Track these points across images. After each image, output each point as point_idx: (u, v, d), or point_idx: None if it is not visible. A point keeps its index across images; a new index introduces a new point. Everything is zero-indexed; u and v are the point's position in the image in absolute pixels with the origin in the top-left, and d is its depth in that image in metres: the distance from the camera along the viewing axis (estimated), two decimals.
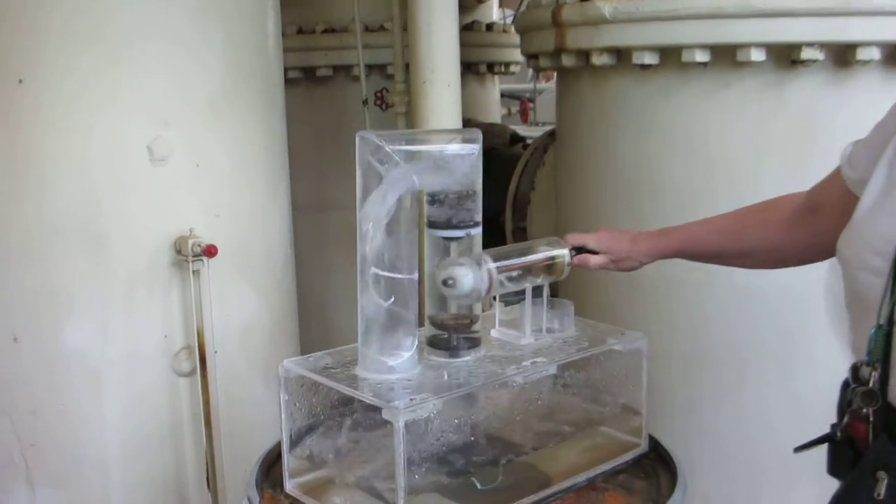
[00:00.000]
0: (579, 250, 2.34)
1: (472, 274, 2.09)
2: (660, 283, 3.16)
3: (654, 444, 2.38)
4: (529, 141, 4.62)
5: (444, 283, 2.08)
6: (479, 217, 2.15)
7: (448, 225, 2.12)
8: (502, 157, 4.46)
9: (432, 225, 2.13)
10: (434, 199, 2.11)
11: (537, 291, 2.27)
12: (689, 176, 3.14)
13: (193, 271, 2.90)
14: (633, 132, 3.23)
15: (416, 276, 2.04)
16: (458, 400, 2.06)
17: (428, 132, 2.07)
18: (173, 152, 2.88)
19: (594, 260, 2.34)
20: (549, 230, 3.86)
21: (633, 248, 2.34)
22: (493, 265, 2.13)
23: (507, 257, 2.19)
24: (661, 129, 3.16)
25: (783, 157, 3.04)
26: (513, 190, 4.24)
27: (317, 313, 4.47)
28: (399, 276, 2.01)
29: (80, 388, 2.88)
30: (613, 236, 2.37)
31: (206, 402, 2.98)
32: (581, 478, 2.21)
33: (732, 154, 3.08)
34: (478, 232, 2.16)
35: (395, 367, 2.05)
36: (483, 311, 2.30)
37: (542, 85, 9.62)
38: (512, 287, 2.21)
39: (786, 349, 3.13)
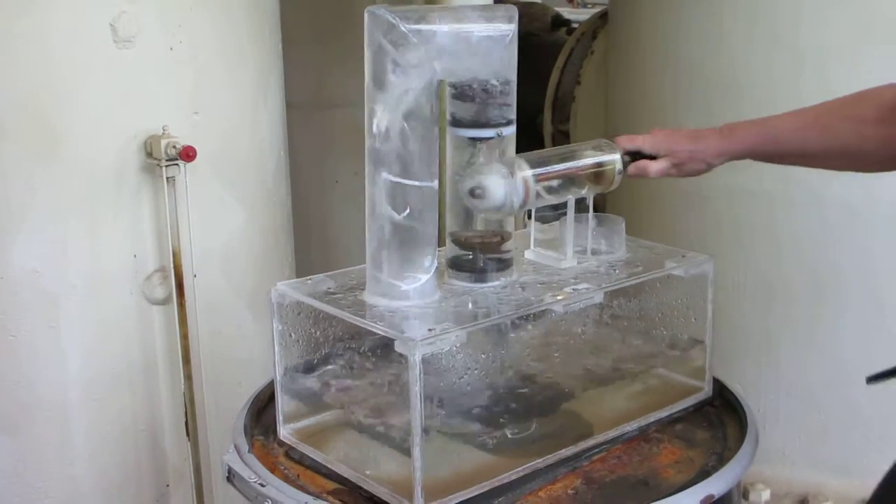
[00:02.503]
0: (633, 156, 2.34)
1: (504, 182, 2.10)
2: (728, 195, 3.18)
3: (720, 389, 2.41)
4: (575, 25, 4.60)
5: (471, 192, 2.10)
6: (512, 114, 2.15)
7: (475, 123, 2.12)
8: (542, 44, 4.44)
9: (456, 123, 2.14)
10: (458, 91, 2.11)
11: (581, 205, 2.29)
12: (772, 68, 3.13)
13: (167, 178, 2.92)
14: (704, 13, 3.22)
15: (435, 183, 2.06)
16: (485, 332, 2.09)
17: (453, 8, 2.06)
18: (142, 32, 2.87)
19: (654, 166, 2.34)
20: (597, 135, 3.85)
21: (698, 146, 2.32)
22: (529, 172, 2.14)
23: (547, 163, 2.20)
24: (739, 10, 3.15)
25: (891, 46, 3.02)
26: (554, 85, 4.23)
27: (316, 230, 4.51)
28: (416, 182, 2.03)
29: (33, 317, 2.92)
30: (671, 136, 2.36)
31: (184, 336, 3.02)
32: (631, 426, 2.25)
33: (827, 41, 3.06)
34: (511, 132, 2.16)
35: (409, 292, 2.08)
36: (516, 228, 2.32)
37: None
38: (551, 199, 2.23)
39: (888, 278, 3.14)
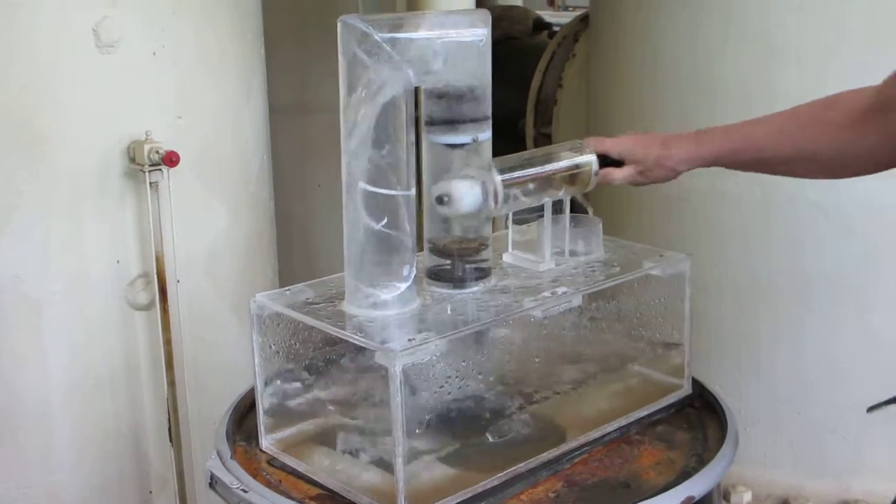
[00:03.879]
0: (602, 160, 2.30)
1: (469, 189, 2.08)
2: (707, 197, 3.16)
3: (700, 390, 2.39)
4: (557, 28, 4.59)
5: (438, 200, 2.08)
6: (488, 119, 2.13)
7: (450, 129, 2.10)
8: (524, 48, 4.43)
9: (432, 129, 2.12)
10: (433, 97, 2.09)
11: (558, 207, 2.27)
12: (747, 67, 3.12)
13: (150, 183, 2.90)
14: (681, 14, 3.21)
15: (412, 191, 2.03)
16: (465, 339, 2.06)
17: (426, 14, 2.03)
18: (124, 37, 2.86)
19: (619, 174, 2.30)
20: (579, 136, 3.84)
21: (665, 153, 2.27)
22: (498, 178, 2.13)
23: (521, 167, 2.18)
24: (714, 10, 3.14)
25: (865, 43, 3.01)
26: (536, 88, 4.22)
27: (299, 233, 4.49)
28: (392, 192, 2.00)
29: (14, 323, 2.90)
30: (640, 140, 2.32)
31: (167, 341, 3.00)
32: (611, 427, 2.23)
33: (800, 38, 3.05)
34: (487, 137, 2.14)
35: (388, 301, 2.05)
36: (495, 230, 2.30)
37: None
38: (528, 202, 2.21)
39: (864, 278, 3.14)
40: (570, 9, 8.45)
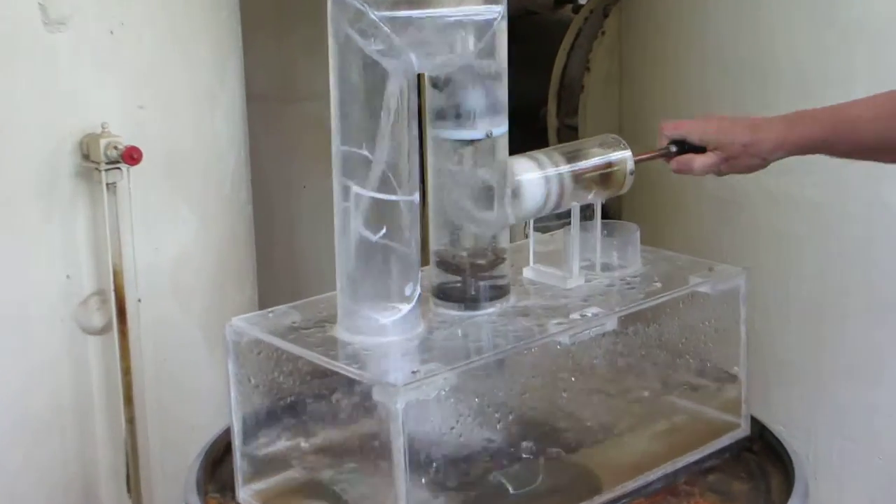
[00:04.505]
0: (679, 146, 2.35)
1: (543, 179, 2.15)
2: (767, 200, 3.16)
3: (760, 430, 2.39)
4: (583, 1, 4.59)
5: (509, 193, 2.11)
6: (504, 110, 2.14)
7: (460, 123, 2.11)
8: (544, 23, 4.44)
9: (438, 123, 2.13)
10: (440, 85, 2.10)
11: (587, 213, 2.28)
12: (817, 49, 3.13)
13: (107, 185, 2.90)
14: None
15: (416, 196, 2.04)
16: (479, 371, 2.07)
17: None
18: (77, 12, 2.87)
19: (701, 161, 2.35)
20: (610, 129, 3.85)
21: (754, 138, 2.32)
22: (566, 168, 2.19)
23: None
24: None
25: None
26: (559, 71, 4.22)
27: (282, 247, 4.52)
28: (392, 196, 2.01)
29: None
30: (725, 124, 2.37)
31: (126, 371, 3.00)
32: (655, 475, 2.23)
33: (880, 17, 3.06)
34: (503, 131, 2.15)
35: (388, 325, 2.06)
36: (512, 242, 2.30)
37: None
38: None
39: None
40: None
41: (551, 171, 2.20)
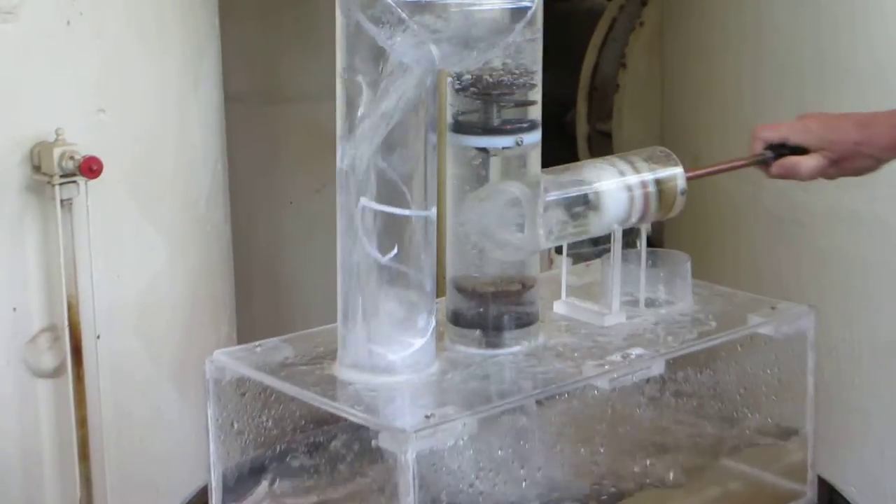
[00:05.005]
0: (777, 150, 2.39)
1: (625, 187, 2.16)
2: (836, 220, 3.17)
3: (830, 494, 2.39)
4: None
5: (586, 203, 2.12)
6: (537, 115, 2.15)
7: (487, 128, 2.10)
8: (573, 12, 4.44)
9: (461, 129, 2.12)
10: (464, 85, 2.10)
11: (630, 239, 2.27)
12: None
13: (62, 201, 2.90)
14: None
15: (433, 212, 2.04)
16: (503, 418, 2.07)
17: None
18: (28, 1, 2.87)
19: (807, 164, 2.38)
20: (650, 135, 3.86)
21: (867, 134, 2.36)
22: (650, 175, 2.20)
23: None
24: None
25: None
26: (590, 69, 4.24)
27: (265, 273, 4.52)
28: (405, 212, 2.00)
29: None
30: (829, 122, 2.41)
31: (82, 421, 2.99)
32: None
33: None
34: (535, 140, 2.15)
35: (398, 362, 2.05)
36: (542, 270, 2.29)
37: None
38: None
39: None
40: None
41: (633, 178, 2.21)
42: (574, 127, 4.32)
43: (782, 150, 2.39)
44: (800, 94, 3.26)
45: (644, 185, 2.20)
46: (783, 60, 3.28)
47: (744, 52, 3.38)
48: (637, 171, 2.22)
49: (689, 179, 2.27)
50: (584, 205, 2.15)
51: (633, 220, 2.19)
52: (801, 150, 2.37)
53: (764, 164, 2.42)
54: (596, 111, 4.29)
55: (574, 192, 2.15)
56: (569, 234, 2.17)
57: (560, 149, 3.86)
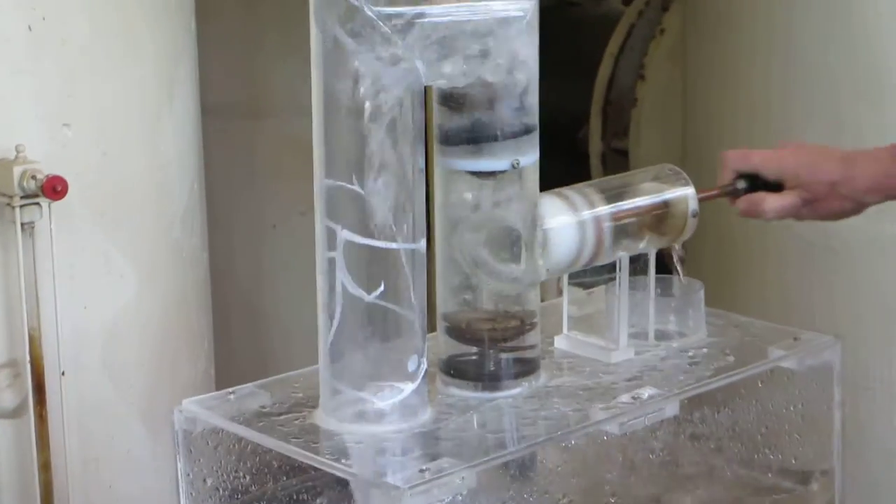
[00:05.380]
0: (750, 182, 2.38)
1: (575, 222, 2.16)
2: (872, 246, 3.19)
3: None
4: None
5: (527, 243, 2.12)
6: (534, 133, 2.15)
7: (478, 150, 2.12)
8: (586, 18, 4.44)
9: (450, 150, 2.14)
10: (453, 102, 2.11)
11: (638, 266, 2.30)
12: None
13: (22, 224, 2.92)
14: None
15: (423, 244, 2.05)
16: (504, 470, 2.10)
17: None
18: None
19: (773, 202, 2.37)
20: (670, 154, 3.86)
21: (848, 174, 2.35)
22: (605, 209, 2.21)
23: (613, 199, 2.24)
24: None
25: None
26: (604, 81, 4.23)
27: (245, 301, 4.53)
28: (391, 244, 2.01)
29: None
30: (807, 155, 2.40)
31: (45, 467, 3.00)
32: None
33: None
34: (532, 161, 2.16)
35: (387, 410, 2.06)
36: (543, 300, 2.31)
37: None
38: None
39: None
40: None
41: (586, 214, 2.20)
42: (587, 144, 4.31)
43: (755, 182, 2.38)
44: (835, 109, 3.27)
45: (598, 220, 2.20)
46: (816, 73, 3.30)
47: (773, 64, 3.39)
48: (592, 204, 2.23)
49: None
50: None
51: (585, 258, 2.20)
52: (775, 185, 2.37)
53: (733, 196, 2.42)
54: (611, 127, 4.28)
55: None
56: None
57: (572, 168, 3.86)
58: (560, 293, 2.40)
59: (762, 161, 2.38)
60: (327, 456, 1.99)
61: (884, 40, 3.24)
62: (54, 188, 2.89)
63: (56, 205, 2.93)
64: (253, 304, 4.56)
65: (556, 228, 2.17)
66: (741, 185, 2.39)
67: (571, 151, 4.32)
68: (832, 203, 2.36)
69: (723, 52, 3.56)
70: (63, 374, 3.03)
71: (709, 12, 3.65)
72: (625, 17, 4.31)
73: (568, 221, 2.19)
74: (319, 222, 2.04)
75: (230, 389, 2.21)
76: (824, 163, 2.36)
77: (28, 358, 2.97)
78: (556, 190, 2.23)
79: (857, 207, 2.38)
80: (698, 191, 2.35)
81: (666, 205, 2.31)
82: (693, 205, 2.31)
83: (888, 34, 3.23)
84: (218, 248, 3.62)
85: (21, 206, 2.90)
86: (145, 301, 3.22)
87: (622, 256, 2.26)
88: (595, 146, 4.32)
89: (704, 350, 2.34)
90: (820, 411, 2.35)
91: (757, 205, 2.36)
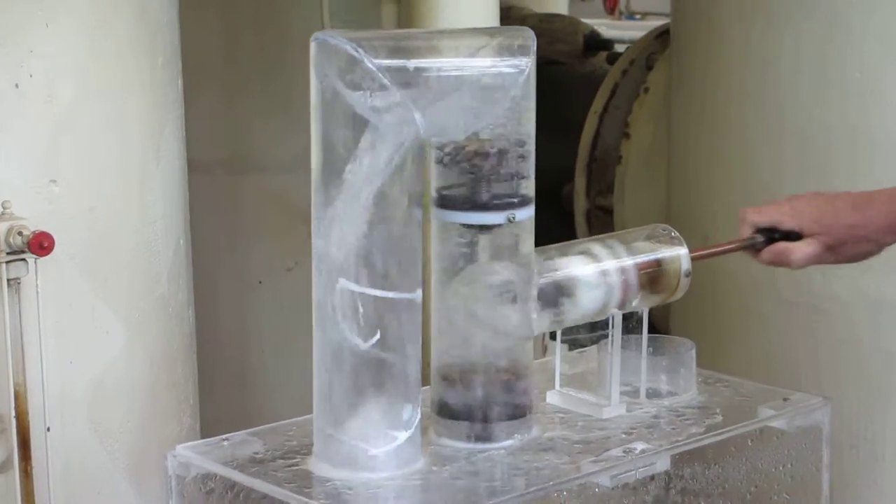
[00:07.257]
0: (768, 236, 2.42)
1: (601, 275, 2.19)
2: (855, 308, 3.21)
3: None
4: (620, 49, 4.62)
5: (558, 292, 2.17)
6: (530, 189, 2.19)
7: (475, 203, 2.15)
8: (571, 76, 4.45)
9: (446, 203, 2.17)
10: (450, 156, 2.14)
11: (630, 324, 2.32)
12: None
13: (9, 280, 2.92)
14: (820, 33, 3.29)
15: (419, 294, 2.07)
16: None
17: (441, 34, 2.08)
18: None
19: (800, 251, 2.41)
20: (655, 212, 3.88)
21: (863, 216, 2.39)
22: (630, 261, 2.25)
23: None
24: (877, 26, 3.22)
25: None
26: (589, 138, 4.24)
27: (231, 358, 4.53)
28: (388, 294, 2.04)
29: None
30: (822, 204, 2.44)
31: None
32: None
33: None
34: (527, 216, 2.19)
35: (380, 458, 2.08)
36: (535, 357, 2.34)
37: None
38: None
39: None
40: (639, 16, 8.49)
41: (610, 264, 2.25)
42: (571, 201, 4.31)
43: (774, 234, 2.43)
44: (826, 166, 3.31)
45: (623, 271, 2.24)
46: (805, 131, 3.33)
47: (759, 123, 3.43)
48: (616, 255, 2.27)
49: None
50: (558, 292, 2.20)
51: (612, 306, 2.23)
52: (794, 234, 2.41)
53: (754, 249, 2.46)
54: (596, 184, 4.28)
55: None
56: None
57: (556, 224, 3.88)
58: (544, 353, 2.42)
59: (780, 213, 2.43)
60: (321, 501, 2.00)
61: (874, 99, 3.30)
62: (41, 244, 2.89)
63: (42, 260, 2.92)
64: (238, 359, 4.55)
65: (581, 279, 2.22)
66: (759, 238, 2.44)
67: (556, 209, 4.32)
68: (854, 246, 2.42)
69: (709, 111, 3.58)
70: (49, 429, 3.01)
71: (694, 71, 3.68)
72: (609, 76, 4.32)
73: (591, 272, 2.23)
74: (317, 271, 2.06)
75: (224, 436, 2.23)
76: (840, 208, 2.41)
77: (13, 413, 2.96)
78: (567, 242, 2.28)
79: (877, 248, 2.43)
80: (714, 245, 2.44)
81: (659, 263, 2.34)
82: (686, 264, 2.35)
83: (879, 94, 3.29)
84: (204, 304, 3.62)
85: (7, 262, 2.89)
86: (131, 357, 3.21)
87: (615, 314, 2.29)
88: (580, 203, 4.32)
89: (695, 409, 2.37)
90: (809, 472, 2.38)
91: (783, 255, 2.41)
